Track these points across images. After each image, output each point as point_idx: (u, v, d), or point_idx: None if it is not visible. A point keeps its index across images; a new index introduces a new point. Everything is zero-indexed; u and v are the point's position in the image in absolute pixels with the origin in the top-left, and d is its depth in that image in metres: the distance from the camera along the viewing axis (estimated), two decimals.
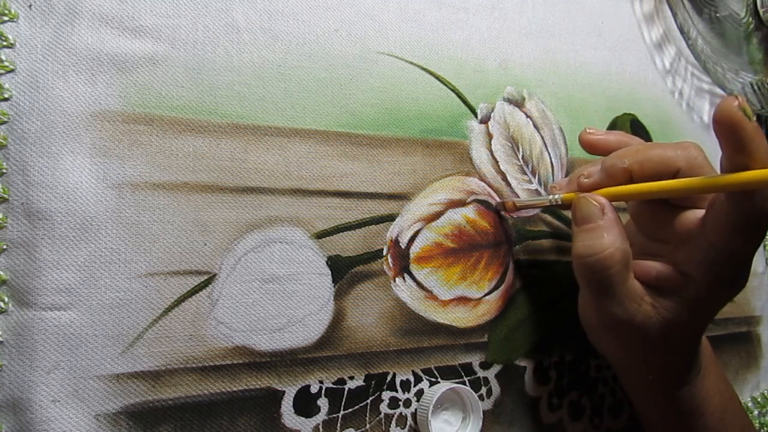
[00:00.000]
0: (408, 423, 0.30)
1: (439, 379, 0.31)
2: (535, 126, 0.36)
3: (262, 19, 0.28)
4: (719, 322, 0.44)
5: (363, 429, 0.28)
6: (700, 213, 0.28)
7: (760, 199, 0.25)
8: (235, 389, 0.26)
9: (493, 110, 0.35)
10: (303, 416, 0.27)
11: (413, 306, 0.30)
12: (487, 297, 0.33)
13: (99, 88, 0.25)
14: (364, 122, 0.30)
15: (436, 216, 0.32)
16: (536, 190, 0.35)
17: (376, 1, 0.32)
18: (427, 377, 0.31)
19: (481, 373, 0.32)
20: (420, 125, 0.32)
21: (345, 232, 0.29)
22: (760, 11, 0.47)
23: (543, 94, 0.37)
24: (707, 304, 0.28)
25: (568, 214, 0.35)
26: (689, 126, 0.45)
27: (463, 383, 0.31)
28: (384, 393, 0.29)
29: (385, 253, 0.30)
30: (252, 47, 0.28)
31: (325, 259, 0.28)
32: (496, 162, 0.34)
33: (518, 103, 0.36)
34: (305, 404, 0.27)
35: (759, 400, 0.45)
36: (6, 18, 0.23)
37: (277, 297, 0.27)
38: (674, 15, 0.45)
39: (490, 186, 0.34)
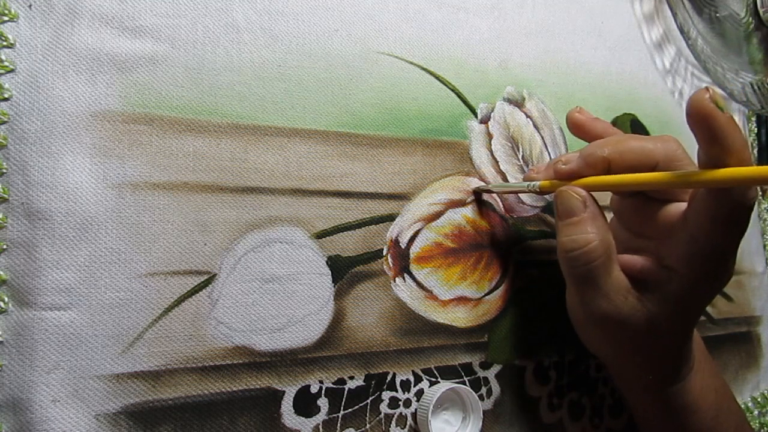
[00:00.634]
0: (408, 423, 0.30)
1: (439, 379, 0.31)
2: (535, 126, 0.36)
3: (262, 19, 0.28)
4: (719, 322, 0.44)
5: (363, 429, 0.28)
6: (682, 206, 0.28)
7: (740, 192, 0.24)
8: (235, 389, 0.26)
9: (493, 110, 0.35)
10: (303, 416, 0.27)
11: (413, 306, 0.30)
12: (487, 297, 0.33)
13: (99, 88, 0.25)
14: (364, 122, 0.30)
15: (436, 216, 0.32)
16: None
17: (376, 1, 0.32)
18: (427, 377, 0.31)
19: (481, 373, 0.32)
20: (420, 125, 0.32)
21: (345, 232, 0.29)
22: (760, 11, 0.47)
23: (543, 94, 0.37)
24: (692, 299, 0.28)
25: None
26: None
27: (463, 383, 0.31)
28: (384, 393, 0.29)
29: (385, 253, 0.30)
30: (252, 47, 0.28)
31: (325, 259, 0.28)
32: (496, 162, 0.34)
33: (518, 103, 0.36)
34: (305, 404, 0.27)
35: (759, 400, 0.45)
36: (6, 18, 0.23)
37: (277, 297, 0.27)
38: (674, 15, 0.45)
39: None
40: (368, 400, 0.29)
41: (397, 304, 0.30)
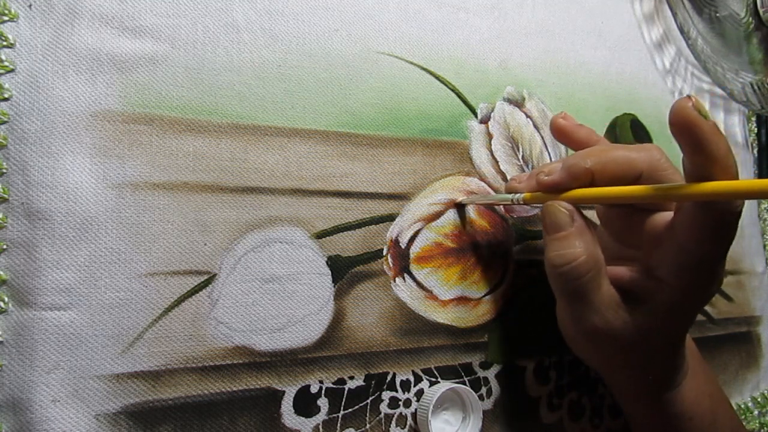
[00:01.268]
0: (408, 423, 0.30)
1: (439, 379, 0.31)
2: (535, 126, 0.36)
3: (262, 19, 0.28)
4: (719, 322, 0.44)
5: (363, 429, 0.28)
6: (668, 216, 0.28)
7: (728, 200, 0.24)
8: (235, 389, 0.26)
9: (493, 110, 0.35)
10: (303, 416, 0.27)
11: (413, 306, 0.30)
12: (487, 297, 0.33)
13: (99, 88, 0.25)
14: (364, 122, 0.30)
15: (436, 216, 0.32)
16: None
17: (376, 1, 0.32)
18: (427, 377, 0.31)
19: (481, 373, 0.32)
20: (420, 125, 0.32)
21: (345, 232, 0.29)
22: (760, 11, 0.47)
23: (543, 94, 0.37)
24: (683, 309, 0.28)
25: None
26: None
27: (463, 383, 0.31)
28: (384, 393, 0.29)
29: (385, 253, 0.30)
30: (252, 47, 0.28)
31: (325, 259, 0.28)
32: (496, 162, 0.34)
33: (518, 103, 0.36)
34: (305, 404, 0.27)
35: (759, 400, 0.45)
36: (6, 18, 0.23)
37: (277, 297, 0.27)
38: (674, 15, 0.45)
39: (490, 186, 0.34)
40: (368, 400, 0.29)
41: (397, 304, 0.30)
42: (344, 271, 0.29)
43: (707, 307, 0.43)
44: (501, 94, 0.35)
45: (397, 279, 0.30)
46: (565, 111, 0.31)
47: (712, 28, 0.45)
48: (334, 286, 0.28)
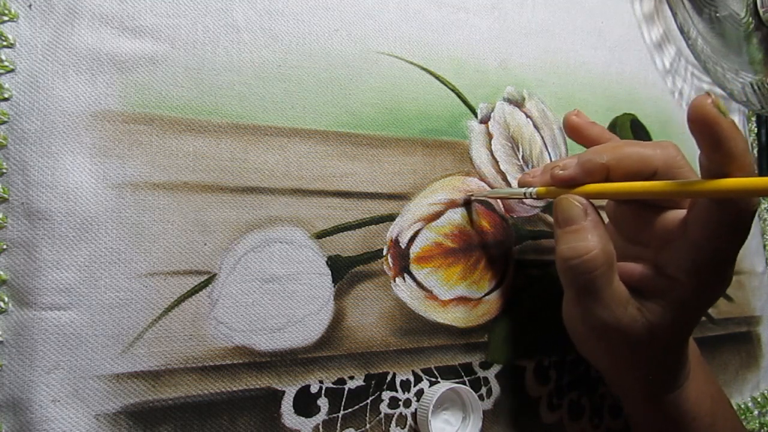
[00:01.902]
0: (408, 423, 0.30)
1: (439, 379, 0.31)
2: (535, 126, 0.36)
3: (262, 19, 0.28)
4: (719, 322, 0.44)
5: (363, 429, 0.28)
6: (681, 213, 0.28)
7: (746, 198, 0.24)
8: (235, 389, 0.26)
9: (493, 110, 0.35)
10: (303, 416, 0.27)
11: (413, 306, 0.30)
12: (487, 297, 0.33)
13: (99, 88, 0.25)
14: (364, 122, 0.30)
15: (436, 216, 0.32)
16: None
17: (376, 1, 0.32)
18: (427, 377, 0.31)
19: (481, 373, 0.32)
20: (420, 125, 0.32)
21: (345, 232, 0.29)
22: (760, 11, 0.47)
23: (543, 94, 0.37)
24: (693, 307, 0.28)
25: None
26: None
27: (463, 383, 0.31)
28: (384, 393, 0.29)
29: (385, 253, 0.30)
30: (252, 47, 0.28)
31: (325, 259, 0.28)
32: (496, 162, 0.34)
33: (518, 103, 0.36)
34: (305, 404, 0.27)
35: (759, 400, 0.45)
36: (6, 18, 0.23)
37: (277, 297, 0.27)
38: (674, 15, 0.45)
39: (490, 186, 0.34)
40: (368, 400, 0.29)
41: (397, 304, 0.30)
42: (344, 271, 0.29)
43: None
44: (501, 94, 0.35)
45: (397, 279, 0.30)
46: (577, 108, 0.31)
47: (712, 28, 0.45)
48: (334, 286, 0.28)
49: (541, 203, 0.36)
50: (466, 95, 0.34)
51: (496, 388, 0.33)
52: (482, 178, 0.34)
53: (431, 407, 0.29)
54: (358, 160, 0.30)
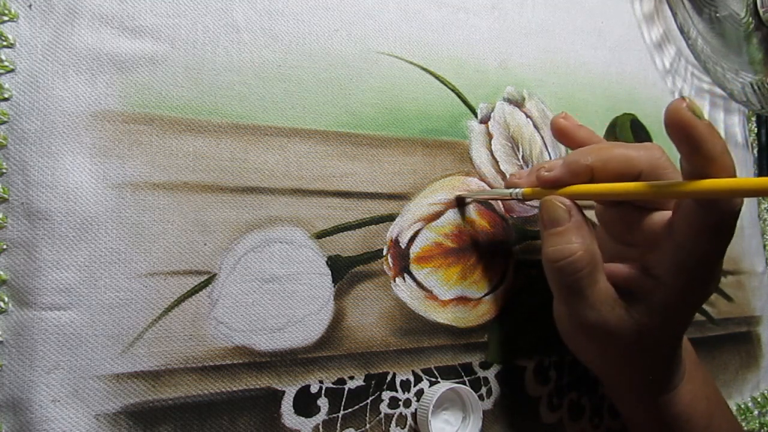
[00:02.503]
0: (408, 423, 0.30)
1: (439, 379, 0.31)
2: (535, 126, 0.36)
3: (262, 19, 0.28)
4: (719, 322, 0.44)
5: (363, 429, 0.28)
6: (667, 215, 0.28)
7: (725, 199, 0.24)
8: (235, 389, 0.26)
9: (493, 110, 0.35)
10: (303, 416, 0.27)
11: (413, 306, 0.30)
12: (487, 297, 0.33)
13: (99, 88, 0.25)
14: (364, 122, 0.30)
15: (436, 216, 0.32)
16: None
17: (376, 1, 0.32)
18: (427, 377, 0.31)
19: (481, 373, 0.32)
20: (420, 125, 0.32)
21: (345, 232, 0.29)
22: (760, 11, 0.47)
23: (543, 94, 0.37)
24: (680, 308, 0.28)
25: None
26: None
27: (463, 383, 0.31)
28: (384, 393, 0.29)
29: (385, 253, 0.30)
30: (252, 47, 0.28)
31: (325, 259, 0.28)
32: (496, 162, 0.34)
33: (518, 103, 0.36)
34: (305, 404, 0.27)
35: (759, 400, 0.45)
36: (6, 18, 0.23)
37: (277, 297, 0.27)
38: (674, 15, 0.45)
39: (490, 186, 0.34)
40: (368, 400, 0.29)
41: (397, 304, 0.30)
42: (344, 271, 0.29)
43: (707, 307, 0.43)
44: (501, 94, 0.35)
45: (397, 279, 0.30)
46: (565, 111, 0.31)
47: (712, 28, 0.45)
48: (334, 286, 0.28)
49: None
50: (466, 95, 0.34)
51: (496, 388, 0.33)
52: (482, 178, 0.34)
53: (431, 407, 0.29)
54: (358, 160, 0.30)
